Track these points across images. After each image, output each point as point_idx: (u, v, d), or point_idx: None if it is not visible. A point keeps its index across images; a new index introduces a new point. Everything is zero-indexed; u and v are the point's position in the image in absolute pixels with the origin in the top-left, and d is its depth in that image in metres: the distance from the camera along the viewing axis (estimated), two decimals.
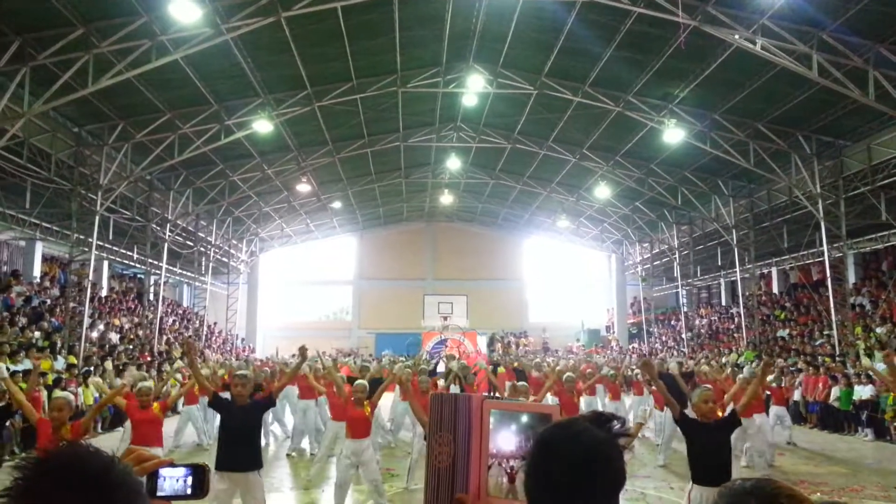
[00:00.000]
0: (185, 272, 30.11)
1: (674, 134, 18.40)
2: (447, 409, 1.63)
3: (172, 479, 1.34)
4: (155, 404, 8.18)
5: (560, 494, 1.34)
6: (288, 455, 13.07)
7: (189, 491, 1.35)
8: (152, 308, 24.89)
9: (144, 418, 7.94)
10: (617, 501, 1.37)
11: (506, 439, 1.59)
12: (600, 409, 14.28)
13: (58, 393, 6.76)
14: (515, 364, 22.28)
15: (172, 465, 1.36)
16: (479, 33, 16.85)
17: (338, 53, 16.47)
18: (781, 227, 23.63)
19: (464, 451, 1.60)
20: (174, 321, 28.79)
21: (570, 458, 1.34)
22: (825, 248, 19.15)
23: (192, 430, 13.99)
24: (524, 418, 1.58)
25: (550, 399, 12.94)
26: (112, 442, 12.69)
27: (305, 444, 13.57)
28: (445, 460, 1.59)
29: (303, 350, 7.34)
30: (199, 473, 1.37)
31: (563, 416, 1.58)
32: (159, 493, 1.33)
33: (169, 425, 10.82)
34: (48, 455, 1.01)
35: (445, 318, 31.11)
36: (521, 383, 9.54)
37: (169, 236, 24.70)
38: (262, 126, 18.32)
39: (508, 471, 1.57)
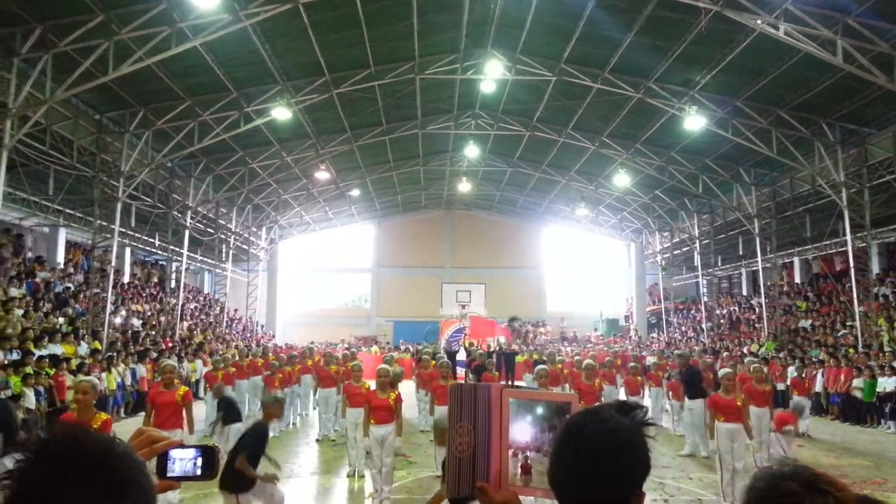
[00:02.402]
0: (206, 259, 30.39)
1: (695, 121, 18.16)
2: (466, 399, 1.62)
3: (182, 461, 1.36)
4: (182, 388, 8.34)
5: (585, 481, 1.34)
6: (317, 440, 13.27)
7: (199, 472, 1.37)
8: (174, 294, 25.16)
9: (166, 401, 8.07)
10: (641, 489, 1.37)
11: (521, 430, 1.58)
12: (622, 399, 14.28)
13: (82, 377, 6.86)
14: (535, 356, 22.35)
15: (182, 446, 1.37)
16: (498, 19, 16.71)
17: (356, 40, 16.43)
18: (804, 216, 23.33)
19: (484, 441, 1.59)
20: (195, 308, 29.09)
21: (596, 446, 1.34)
22: (848, 237, 18.86)
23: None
24: (540, 409, 1.58)
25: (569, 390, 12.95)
26: (134, 426, 12.89)
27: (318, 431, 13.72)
28: (466, 450, 1.59)
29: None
30: (208, 455, 1.38)
31: (582, 404, 1.57)
32: (169, 474, 1.34)
33: (198, 409, 10.93)
34: (49, 437, 1.01)
35: (463, 307, 31.10)
36: (540, 367, 9.58)
37: (190, 223, 24.90)
38: (281, 113, 18.36)
39: (523, 462, 1.58)
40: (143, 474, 1.06)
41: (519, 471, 1.57)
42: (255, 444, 6.32)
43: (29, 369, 13.08)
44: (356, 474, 10.00)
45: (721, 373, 9.77)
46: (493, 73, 18.66)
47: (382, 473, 8.27)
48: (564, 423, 1.45)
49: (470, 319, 27.84)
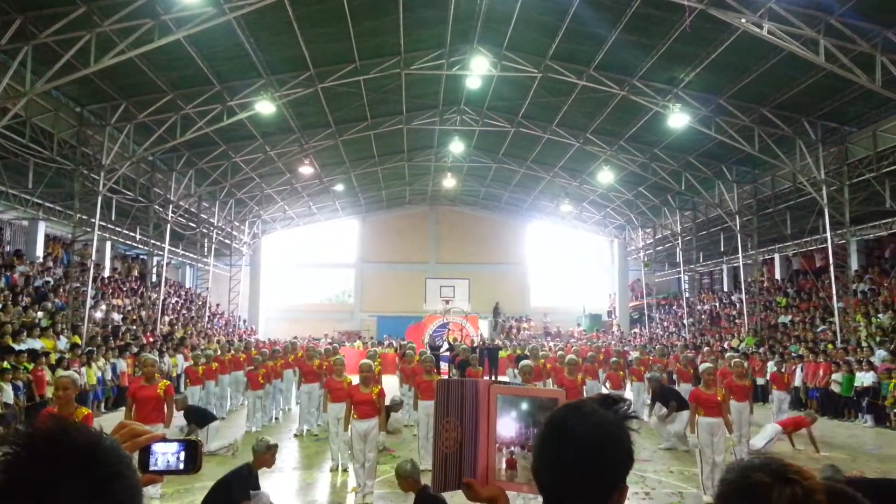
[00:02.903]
0: (187, 253, 30.15)
1: (678, 118, 18.30)
2: (454, 395, 1.63)
3: (165, 455, 1.35)
4: (164, 382, 8.30)
5: (568, 475, 1.34)
6: (295, 435, 13.23)
7: (181, 466, 1.36)
8: (155, 289, 24.94)
9: (147, 396, 8.03)
10: (624, 482, 1.37)
11: (506, 426, 1.59)
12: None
13: (62, 372, 6.79)
14: (518, 351, 22.44)
15: (165, 440, 1.36)
16: (484, 14, 16.70)
17: (341, 34, 16.35)
18: (785, 214, 23.58)
19: (471, 436, 1.60)
20: (177, 302, 28.86)
21: (579, 440, 1.34)
22: (828, 234, 19.11)
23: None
24: (525, 405, 1.58)
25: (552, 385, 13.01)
26: (115, 421, 12.79)
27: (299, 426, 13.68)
28: (452, 445, 1.60)
29: None
30: (191, 449, 1.37)
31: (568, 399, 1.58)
32: (151, 468, 1.33)
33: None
34: (35, 430, 1.00)
35: (447, 302, 31.17)
36: (524, 362, 9.62)
37: (171, 217, 24.69)
38: (265, 107, 18.24)
39: (508, 457, 1.58)
40: (129, 468, 1.06)
41: (504, 466, 1.58)
42: (242, 486, 6.30)
43: (7, 364, 12.92)
44: (339, 468, 10.01)
45: (702, 368, 9.87)
46: (478, 70, 18.65)
47: (365, 468, 8.31)
48: (547, 417, 1.45)
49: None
